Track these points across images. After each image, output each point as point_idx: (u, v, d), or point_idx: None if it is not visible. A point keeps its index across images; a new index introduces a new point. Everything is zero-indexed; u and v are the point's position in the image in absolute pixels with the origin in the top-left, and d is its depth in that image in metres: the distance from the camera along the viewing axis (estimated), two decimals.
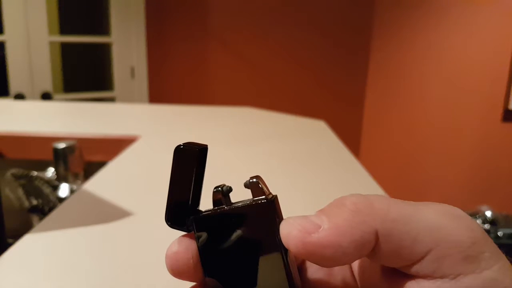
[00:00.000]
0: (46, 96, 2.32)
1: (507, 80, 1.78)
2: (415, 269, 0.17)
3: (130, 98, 2.57)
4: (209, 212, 0.21)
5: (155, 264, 0.43)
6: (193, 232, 0.21)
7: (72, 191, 0.83)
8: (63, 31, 2.58)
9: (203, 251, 0.21)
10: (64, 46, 2.67)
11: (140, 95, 2.60)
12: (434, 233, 0.17)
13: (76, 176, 0.84)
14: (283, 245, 0.19)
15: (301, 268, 0.22)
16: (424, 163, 2.29)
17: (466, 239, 0.17)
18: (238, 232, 0.20)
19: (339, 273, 0.22)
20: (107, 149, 0.96)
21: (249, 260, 0.20)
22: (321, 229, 0.17)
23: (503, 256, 0.17)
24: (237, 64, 2.73)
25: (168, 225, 0.22)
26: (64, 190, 0.83)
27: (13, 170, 0.87)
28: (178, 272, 0.21)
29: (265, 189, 0.20)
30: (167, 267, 0.21)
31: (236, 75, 2.74)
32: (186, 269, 0.21)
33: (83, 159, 0.86)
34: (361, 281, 0.21)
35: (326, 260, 0.17)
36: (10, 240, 0.57)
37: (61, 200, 0.83)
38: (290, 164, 0.82)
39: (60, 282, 0.40)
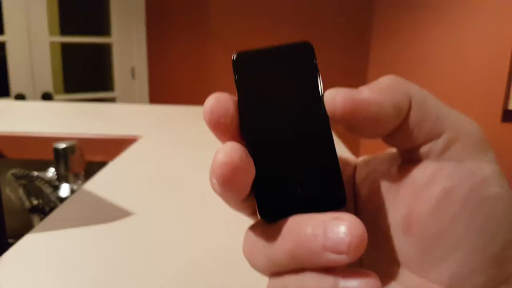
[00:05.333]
0: (46, 97, 2.33)
1: (506, 80, 1.78)
2: (426, 147, 0.18)
3: (130, 99, 2.58)
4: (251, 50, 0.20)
5: (155, 264, 0.43)
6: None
7: (72, 191, 0.83)
8: (64, 31, 2.58)
9: (242, 94, 0.19)
10: (65, 47, 2.68)
11: (140, 95, 2.61)
12: (452, 118, 0.18)
13: (76, 176, 0.84)
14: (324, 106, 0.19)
15: None
16: None
17: (477, 132, 0.18)
18: (279, 76, 0.19)
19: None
20: (107, 149, 0.96)
21: (288, 113, 0.19)
22: (364, 92, 0.18)
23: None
24: None
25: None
26: (64, 190, 0.83)
27: (14, 170, 0.87)
28: (216, 116, 0.19)
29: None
30: (204, 115, 0.19)
31: None
32: (224, 112, 0.19)
33: (83, 159, 0.86)
34: (365, 188, 0.22)
35: (368, 119, 0.18)
36: (10, 240, 0.57)
37: (61, 200, 0.83)
38: None
39: (60, 282, 0.40)
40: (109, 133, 1.00)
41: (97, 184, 0.66)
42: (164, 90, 2.71)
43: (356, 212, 0.22)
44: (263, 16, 2.67)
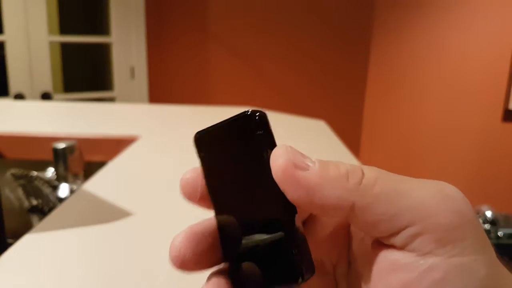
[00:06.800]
0: (46, 96, 2.32)
1: (507, 80, 1.78)
2: (391, 240, 0.18)
3: (130, 98, 2.57)
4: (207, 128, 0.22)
5: (154, 263, 0.43)
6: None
7: (72, 191, 0.83)
8: (63, 31, 2.58)
9: (204, 169, 0.21)
10: (64, 46, 2.67)
11: (140, 95, 2.60)
12: (415, 211, 0.17)
13: (76, 176, 0.84)
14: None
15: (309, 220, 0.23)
16: (424, 163, 2.29)
17: (448, 222, 0.17)
18: (234, 150, 0.21)
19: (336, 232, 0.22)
20: (107, 149, 0.96)
21: (245, 185, 0.20)
22: (307, 171, 0.18)
23: (489, 251, 0.17)
24: (237, 64, 2.73)
25: None
26: (64, 190, 0.83)
27: (13, 170, 0.87)
28: (187, 193, 0.22)
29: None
30: (180, 190, 0.22)
31: (236, 75, 2.74)
32: (193, 190, 0.22)
33: (83, 159, 0.85)
34: (355, 247, 0.22)
35: (292, 194, 0.18)
36: (10, 240, 0.57)
37: (61, 200, 0.82)
38: None
39: (59, 282, 0.40)
40: (109, 133, 1.00)
41: (96, 184, 0.66)
42: (163, 90, 2.71)
43: (349, 255, 0.22)
44: (263, 16, 2.67)
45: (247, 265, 0.20)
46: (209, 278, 0.21)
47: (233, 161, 0.21)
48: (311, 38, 2.71)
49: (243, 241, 0.20)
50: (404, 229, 0.17)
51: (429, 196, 0.17)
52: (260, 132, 0.20)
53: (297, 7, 2.67)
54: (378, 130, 2.74)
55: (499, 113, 1.83)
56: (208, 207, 0.22)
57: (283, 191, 0.19)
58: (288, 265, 0.19)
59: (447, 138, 2.13)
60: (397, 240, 0.17)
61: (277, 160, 0.19)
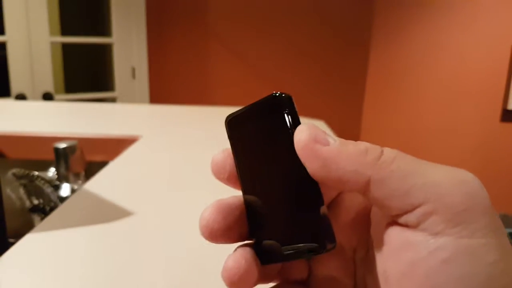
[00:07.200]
0: (47, 97, 2.33)
1: (505, 80, 1.78)
2: (404, 218, 0.18)
3: (131, 99, 2.58)
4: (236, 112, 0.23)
5: (155, 263, 0.44)
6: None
7: (73, 191, 0.83)
8: (64, 31, 2.58)
9: (235, 152, 0.23)
10: (65, 47, 2.68)
11: (141, 95, 2.61)
12: (428, 190, 0.17)
13: (77, 176, 0.84)
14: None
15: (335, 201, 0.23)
16: None
17: (459, 204, 0.17)
18: (260, 127, 0.22)
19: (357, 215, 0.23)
20: (108, 149, 0.97)
21: (272, 165, 0.21)
22: (328, 146, 0.19)
23: (502, 237, 0.17)
24: (237, 64, 2.74)
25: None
26: (65, 190, 0.84)
27: (14, 170, 0.87)
28: (217, 173, 0.23)
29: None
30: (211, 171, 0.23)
31: (236, 75, 2.75)
32: (222, 170, 0.23)
33: (84, 159, 0.86)
34: (373, 227, 0.22)
35: (310, 166, 0.19)
36: (11, 240, 0.58)
37: (62, 200, 0.83)
38: None
39: (61, 282, 0.40)
40: (110, 133, 1.01)
41: (97, 184, 0.66)
42: (164, 90, 2.71)
43: (368, 240, 0.23)
44: (263, 16, 2.67)
45: (272, 239, 0.21)
46: (235, 249, 0.22)
47: (261, 141, 0.22)
48: (311, 38, 2.71)
49: (269, 218, 0.21)
50: (418, 207, 0.17)
51: (443, 178, 0.18)
52: (286, 112, 0.21)
53: (297, 7, 2.68)
54: (377, 130, 2.74)
55: (498, 113, 1.83)
56: (235, 186, 0.23)
57: (303, 164, 0.19)
58: (312, 237, 0.20)
59: (446, 138, 2.13)
60: (411, 218, 0.17)
61: (300, 135, 0.20)
